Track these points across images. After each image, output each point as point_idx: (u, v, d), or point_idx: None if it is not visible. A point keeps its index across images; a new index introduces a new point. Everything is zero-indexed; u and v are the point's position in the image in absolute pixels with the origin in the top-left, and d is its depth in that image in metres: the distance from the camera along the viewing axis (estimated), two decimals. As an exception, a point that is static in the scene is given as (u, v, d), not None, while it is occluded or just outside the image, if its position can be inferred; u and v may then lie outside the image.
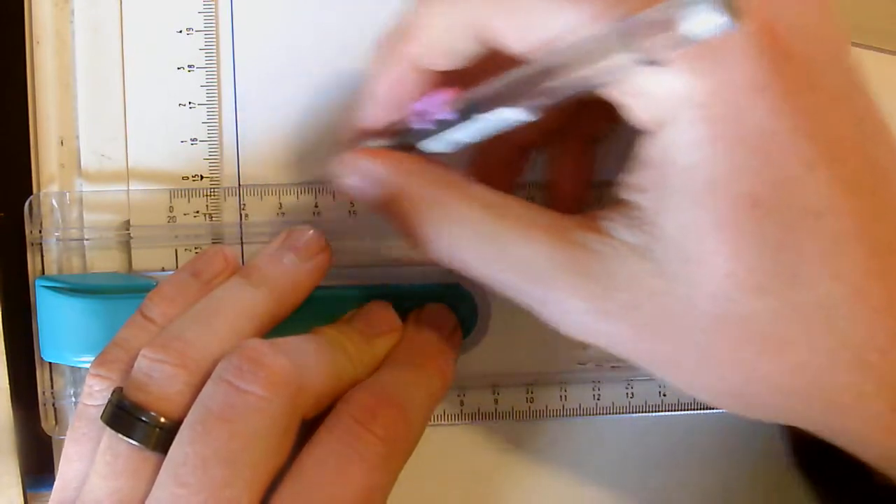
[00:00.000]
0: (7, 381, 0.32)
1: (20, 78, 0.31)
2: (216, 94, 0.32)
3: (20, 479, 0.32)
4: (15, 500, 0.32)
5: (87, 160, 0.31)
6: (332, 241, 0.29)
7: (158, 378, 0.25)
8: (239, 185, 0.32)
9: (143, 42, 0.31)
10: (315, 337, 0.28)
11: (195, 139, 0.32)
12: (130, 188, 0.32)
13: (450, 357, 0.30)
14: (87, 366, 0.27)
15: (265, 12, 0.32)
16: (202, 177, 0.32)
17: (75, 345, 0.30)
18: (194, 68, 0.31)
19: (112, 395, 0.25)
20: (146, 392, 0.25)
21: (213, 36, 0.31)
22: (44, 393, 0.32)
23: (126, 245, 0.32)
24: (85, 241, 0.32)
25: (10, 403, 0.32)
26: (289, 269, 0.29)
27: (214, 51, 0.31)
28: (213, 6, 0.31)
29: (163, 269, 0.32)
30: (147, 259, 0.32)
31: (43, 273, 0.32)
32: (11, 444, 0.32)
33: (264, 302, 0.28)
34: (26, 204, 0.31)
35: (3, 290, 0.32)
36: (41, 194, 0.31)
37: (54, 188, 0.32)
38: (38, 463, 0.32)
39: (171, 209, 0.32)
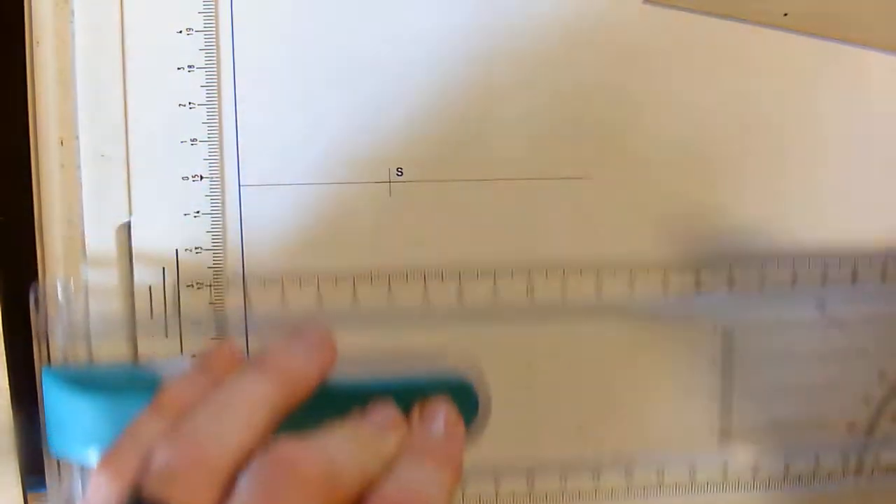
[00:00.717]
0: (7, 381, 0.32)
1: (20, 78, 0.31)
2: (216, 94, 0.32)
3: (20, 479, 0.32)
4: (15, 500, 0.32)
5: (87, 160, 0.31)
6: (335, 330, 0.29)
7: (176, 475, 0.25)
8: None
9: (143, 42, 0.31)
10: (338, 434, 0.28)
11: (195, 139, 0.32)
12: (136, 280, 0.32)
13: (458, 451, 0.30)
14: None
15: (265, 12, 0.32)
16: (202, 177, 0.32)
17: (82, 440, 0.30)
18: (194, 68, 0.31)
19: (129, 494, 0.25)
20: (164, 490, 0.24)
21: (213, 36, 0.31)
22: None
23: (132, 333, 0.32)
24: (90, 330, 0.32)
25: (9, 403, 0.32)
26: (298, 362, 0.29)
27: (214, 51, 0.31)
28: (213, 6, 0.31)
29: (169, 358, 0.32)
30: (153, 347, 0.32)
31: (49, 356, 0.32)
32: (11, 445, 0.32)
33: (275, 393, 0.28)
34: (31, 295, 0.31)
35: (4, 292, 0.32)
36: (46, 285, 0.32)
37: (59, 272, 0.32)
38: (38, 463, 0.32)
39: (177, 299, 0.32)
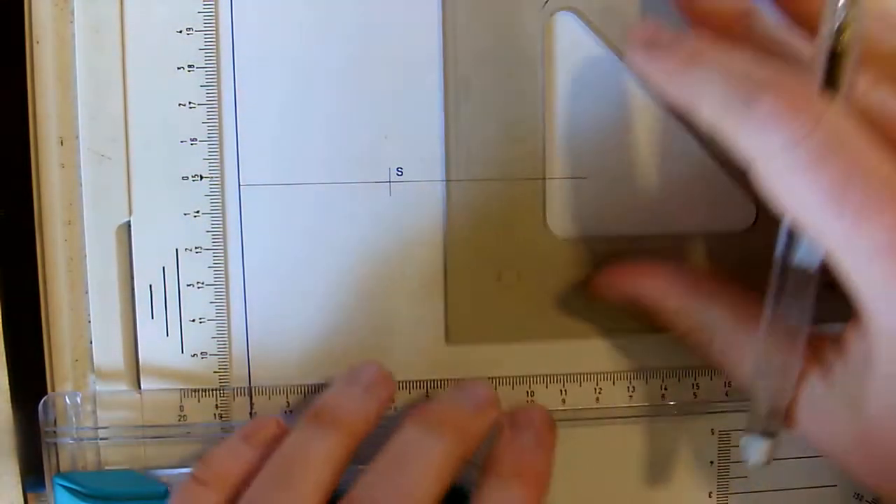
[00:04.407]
0: (7, 381, 0.32)
1: (20, 78, 0.31)
2: (216, 94, 0.32)
3: (20, 479, 0.32)
4: (15, 500, 0.32)
5: (87, 160, 0.31)
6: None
7: None
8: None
9: (143, 42, 0.31)
10: (429, 449, 0.28)
11: (195, 139, 0.32)
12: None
13: (548, 464, 0.30)
14: None
15: (265, 12, 0.32)
16: (202, 177, 0.32)
17: None
18: (194, 68, 0.31)
19: None
20: None
21: (213, 36, 0.31)
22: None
23: (140, 442, 0.33)
24: (99, 441, 0.33)
25: (10, 404, 0.32)
26: (359, 405, 0.29)
27: (214, 51, 0.31)
28: (213, 6, 0.31)
29: (177, 470, 0.32)
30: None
31: (58, 463, 0.32)
32: (11, 444, 0.32)
33: (340, 445, 0.28)
34: (40, 404, 0.32)
35: (4, 289, 0.32)
36: (54, 395, 0.32)
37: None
38: (38, 463, 0.32)
39: (181, 408, 0.32)
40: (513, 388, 0.34)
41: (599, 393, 0.34)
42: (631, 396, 0.34)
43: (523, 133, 0.32)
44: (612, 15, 0.32)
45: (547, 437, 0.31)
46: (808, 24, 0.29)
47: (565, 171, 0.33)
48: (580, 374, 0.34)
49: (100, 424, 0.32)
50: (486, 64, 0.32)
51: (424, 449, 0.28)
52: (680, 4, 0.30)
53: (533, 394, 0.34)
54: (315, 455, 0.27)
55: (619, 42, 0.32)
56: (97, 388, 0.32)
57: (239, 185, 0.32)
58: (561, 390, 0.34)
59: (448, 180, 0.33)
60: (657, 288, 0.31)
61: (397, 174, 0.32)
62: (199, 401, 0.33)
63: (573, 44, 0.32)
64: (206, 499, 0.28)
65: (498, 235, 0.33)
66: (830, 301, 0.26)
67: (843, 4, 0.25)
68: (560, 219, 0.33)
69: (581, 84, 0.33)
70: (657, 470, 0.35)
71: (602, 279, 0.32)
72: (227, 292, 0.32)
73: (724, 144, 0.26)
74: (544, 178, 0.33)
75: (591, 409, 0.34)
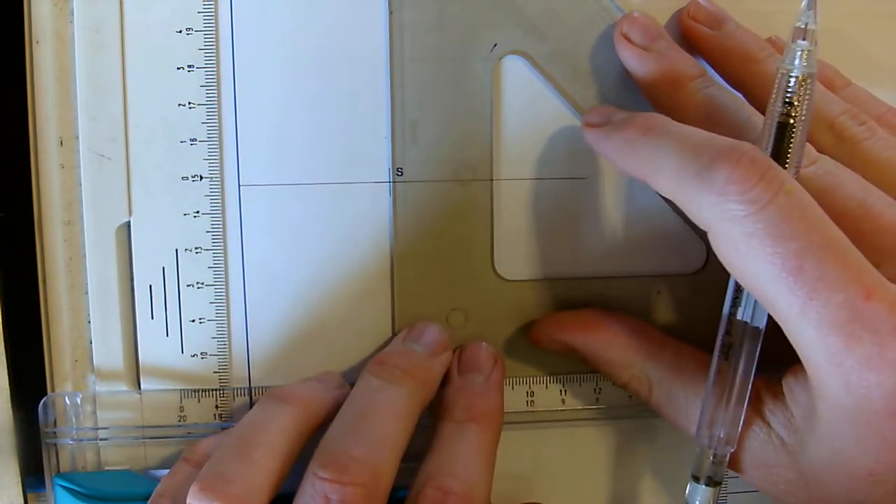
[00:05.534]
0: (7, 381, 0.32)
1: (20, 78, 0.31)
2: (216, 94, 0.32)
3: (20, 479, 0.32)
4: (15, 500, 0.32)
5: (87, 160, 0.31)
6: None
7: None
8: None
9: (143, 42, 0.31)
10: (393, 397, 0.29)
11: (195, 139, 0.32)
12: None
13: (499, 403, 0.31)
14: None
15: (265, 12, 0.32)
16: (202, 177, 0.32)
17: None
18: (194, 68, 0.31)
19: None
20: None
21: (213, 36, 0.31)
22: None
23: (140, 442, 0.33)
24: (99, 441, 0.33)
25: (9, 404, 0.32)
26: (313, 391, 0.31)
27: (214, 51, 0.31)
28: (213, 6, 0.31)
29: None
30: (161, 455, 0.33)
31: (58, 463, 0.33)
32: (11, 444, 0.32)
33: (294, 417, 0.29)
34: (40, 404, 0.32)
35: (4, 289, 0.32)
36: (54, 396, 0.32)
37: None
38: (38, 463, 0.32)
39: (181, 409, 0.32)
40: (512, 388, 0.34)
41: (599, 393, 0.34)
42: (630, 396, 0.34)
43: (471, 176, 0.33)
44: (560, 59, 0.32)
45: (494, 375, 0.31)
46: (743, 88, 0.30)
47: (513, 215, 0.33)
48: (580, 374, 0.34)
49: (100, 425, 0.33)
50: (434, 108, 0.32)
51: (388, 397, 0.29)
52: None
53: (533, 394, 0.34)
54: (268, 426, 0.28)
55: (567, 86, 0.32)
56: (97, 388, 0.32)
57: (239, 185, 0.32)
58: (561, 390, 0.34)
59: (395, 217, 0.33)
60: (596, 341, 0.32)
61: (397, 174, 0.32)
62: (199, 401, 0.33)
63: (522, 87, 0.32)
64: (189, 473, 0.29)
65: (445, 277, 0.33)
66: (778, 341, 0.26)
67: (796, 80, 0.26)
68: (508, 262, 0.33)
69: (530, 127, 0.33)
70: (658, 468, 0.35)
71: (541, 329, 0.33)
72: (227, 292, 0.32)
73: (683, 210, 0.26)
74: (492, 221, 0.33)
75: (591, 408, 0.34)
